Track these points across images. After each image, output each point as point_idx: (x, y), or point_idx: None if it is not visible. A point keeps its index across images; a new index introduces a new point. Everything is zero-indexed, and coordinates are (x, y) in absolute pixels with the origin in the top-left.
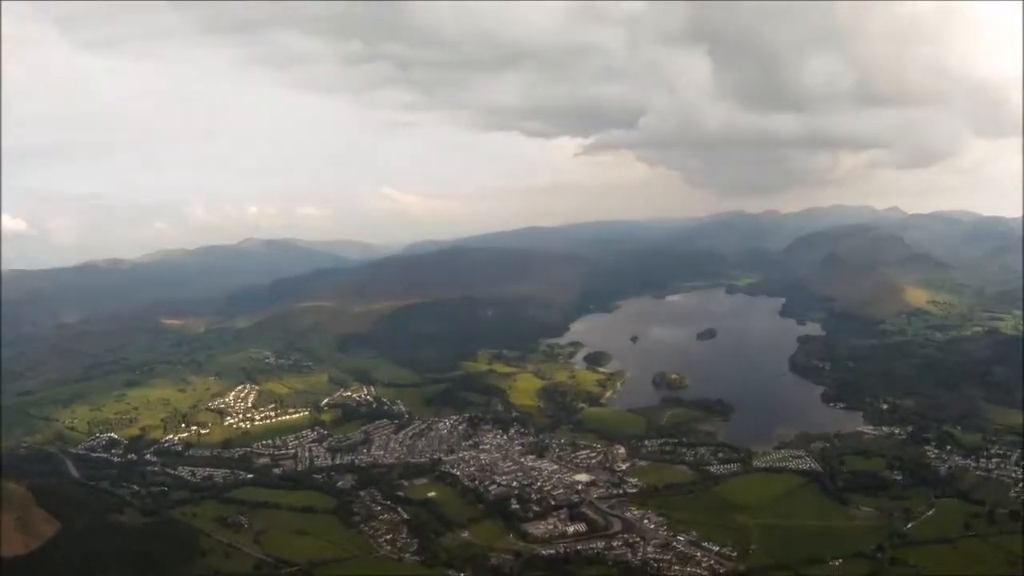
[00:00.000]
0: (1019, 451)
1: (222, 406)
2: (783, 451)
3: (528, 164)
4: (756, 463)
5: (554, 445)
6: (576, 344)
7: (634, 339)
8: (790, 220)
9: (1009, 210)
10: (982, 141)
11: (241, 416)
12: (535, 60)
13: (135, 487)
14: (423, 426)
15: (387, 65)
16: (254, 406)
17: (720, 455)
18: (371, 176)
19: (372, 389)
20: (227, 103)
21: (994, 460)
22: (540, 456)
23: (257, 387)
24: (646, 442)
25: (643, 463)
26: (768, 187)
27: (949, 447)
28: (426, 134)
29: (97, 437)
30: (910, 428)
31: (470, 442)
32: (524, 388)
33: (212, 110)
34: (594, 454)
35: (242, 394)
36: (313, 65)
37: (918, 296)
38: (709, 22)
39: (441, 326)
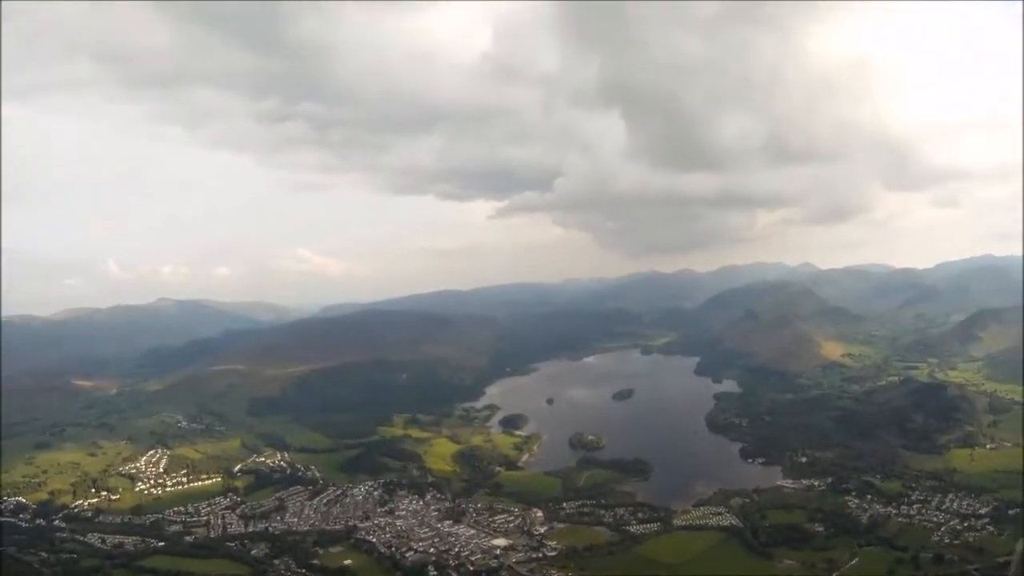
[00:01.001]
0: (939, 496)
1: (133, 471)
2: (703, 508)
3: (443, 226)
4: (676, 521)
5: (471, 510)
6: (492, 407)
7: (550, 401)
8: (705, 279)
9: (920, 261)
10: (892, 194)
11: (153, 482)
12: (451, 122)
13: (43, 554)
14: (338, 492)
15: (303, 124)
16: (166, 471)
17: (640, 515)
18: (285, 237)
19: (286, 454)
20: (142, 158)
21: (915, 506)
22: (457, 521)
23: (169, 452)
24: (564, 504)
25: (562, 525)
26: (683, 246)
27: (870, 496)
28: (341, 195)
29: (4, 501)
30: (830, 479)
31: (386, 508)
32: (440, 453)
33: (127, 165)
34: (512, 518)
35: (154, 459)
36: (229, 122)
37: (833, 349)
38: (622, 83)
39: (355, 390)
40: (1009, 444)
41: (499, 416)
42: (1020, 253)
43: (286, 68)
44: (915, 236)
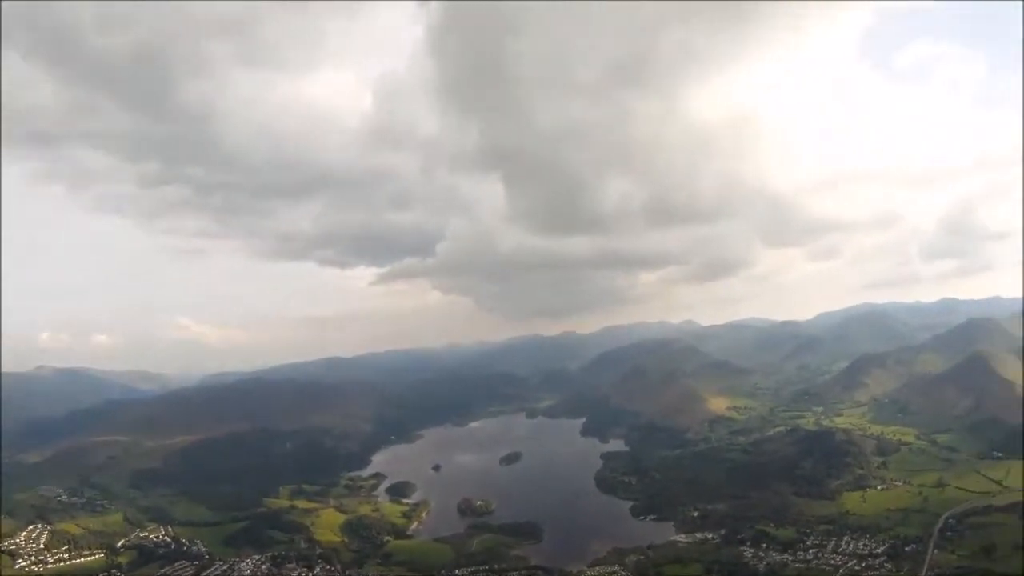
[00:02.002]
0: (835, 539)
1: (13, 547)
2: (598, 568)
3: (324, 293)
4: None
5: None
6: (379, 476)
7: (437, 468)
8: (589, 339)
9: (801, 313)
10: (772, 250)
11: (33, 559)
12: (333, 187)
13: None
14: (224, 567)
15: (185, 188)
16: (46, 548)
17: None
18: (165, 304)
19: (170, 528)
20: (21, 220)
21: (812, 551)
22: None
23: (50, 527)
24: (457, 572)
25: None
26: (565, 308)
27: (765, 544)
28: (221, 262)
29: None
30: (723, 531)
31: None
32: (328, 523)
33: (5, 225)
34: None
35: (33, 535)
36: (111, 184)
37: (719, 403)
38: (502, 147)
39: (239, 461)
40: (900, 483)
41: (386, 484)
42: (898, 299)
43: (170, 131)
44: (795, 289)
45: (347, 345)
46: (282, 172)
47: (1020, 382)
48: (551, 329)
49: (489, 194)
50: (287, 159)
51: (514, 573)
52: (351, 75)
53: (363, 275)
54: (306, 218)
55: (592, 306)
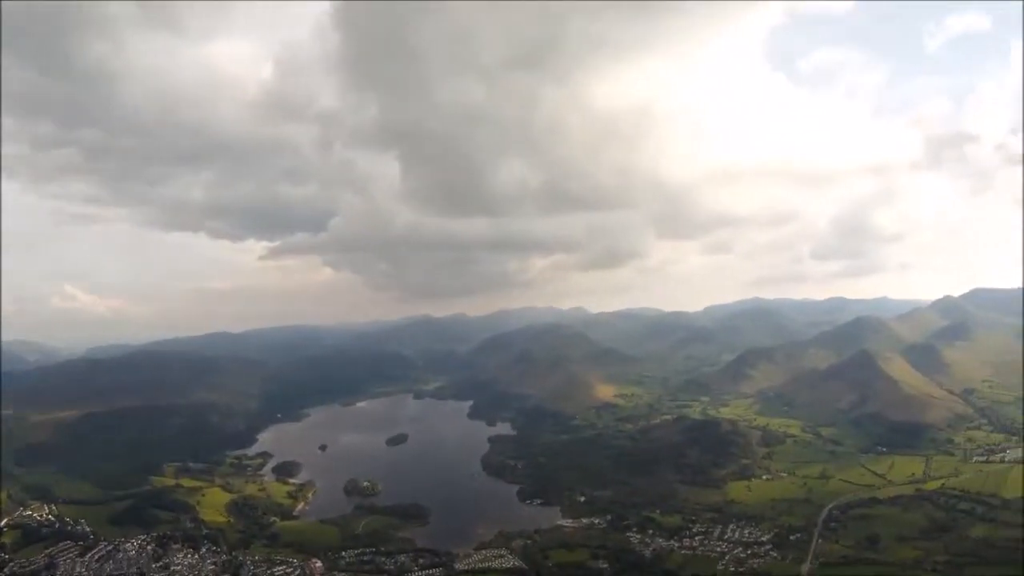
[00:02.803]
0: (721, 527)
1: None
2: (485, 551)
3: (215, 266)
4: (459, 566)
5: (248, 563)
6: (265, 455)
7: (323, 447)
8: (478, 322)
9: (690, 305)
10: (665, 242)
11: None
12: (227, 157)
13: None
14: (109, 547)
15: (78, 152)
16: None
17: (421, 561)
18: (52, 272)
19: (54, 507)
20: None
21: (697, 538)
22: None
23: None
24: (343, 553)
25: (342, 575)
26: (456, 291)
27: (651, 531)
28: (111, 230)
29: None
30: (610, 517)
31: (160, 563)
32: (214, 503)
33: None
34: (291, 570)
35: None
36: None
37: (607, 390)
38: (401, 125)
39: (125, 436)
40: (785, 474)
41: (272, 463)
42: (787, 296)
43: (66, 92)
44: (686, 281)
45: (236, 320)
46: (177, 138)
47: (905, 380)
48: (441, 310)
49: (385, 172)
50: (183, 125)
51: (401, 556)
52: (253, 43)
53: (253, 248)
54: (199, 187)
55: (483, 289)
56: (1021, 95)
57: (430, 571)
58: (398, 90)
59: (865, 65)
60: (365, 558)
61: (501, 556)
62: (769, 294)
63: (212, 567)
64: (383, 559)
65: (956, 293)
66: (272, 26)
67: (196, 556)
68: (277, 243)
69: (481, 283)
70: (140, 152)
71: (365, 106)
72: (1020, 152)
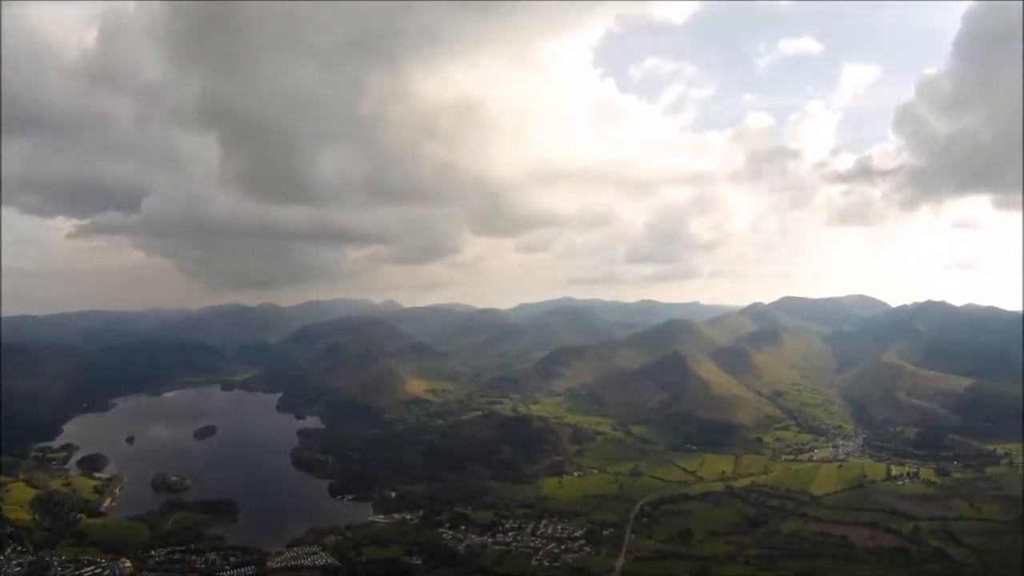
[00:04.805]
0: (534, 523)
1: None
2: (297, 548)
3: (22, 244)
4: (271, 564)
5: (56, 563)
6: (70, 447)
7: (130, 440)
8: (290, 313)
9: (503, 302)
10: (482, 239)
11: None
12: (45, 127)
13: None
14: None
15: None
16: None
17: (232, 559)
18: None
19: None
20: None
21: (510, 533)
22: None
23: None
24: (153, 552)
25: (152, 575)
26: (268, 280)
27: (464, 526)
28: None
29: None
30: (422, 512)
31: None
32: (17, 499)
33: None
34: (100, 570)
35: None
36: None
37: (417, 385)
38: (224, 104)
39: None
40: (596, 471)
41: (78, 456)
42: (598, 297)
43: None
44: (500, 278)
45: (41, 302)
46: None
47: (714, 381)
48: (253, 299)
49: (204, 154)
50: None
51: (211, 554)
52: (77, 7)
53: (63, 227)
54: (14, 159)
55: (296, 279)
56: (845, 117)
57: (241, 570)
58: (223, 67)
59: (694, 78)
60: (175, 556)
61: (313, 553)
62: (581, 294)
63: (18, 569)
64: (193, 557)
65: (766, 300)
66: None
67: (1, 557)
68: (87, 221)
69: (295, 273)
70: None
71: (188, 82)
72: (837, 170)
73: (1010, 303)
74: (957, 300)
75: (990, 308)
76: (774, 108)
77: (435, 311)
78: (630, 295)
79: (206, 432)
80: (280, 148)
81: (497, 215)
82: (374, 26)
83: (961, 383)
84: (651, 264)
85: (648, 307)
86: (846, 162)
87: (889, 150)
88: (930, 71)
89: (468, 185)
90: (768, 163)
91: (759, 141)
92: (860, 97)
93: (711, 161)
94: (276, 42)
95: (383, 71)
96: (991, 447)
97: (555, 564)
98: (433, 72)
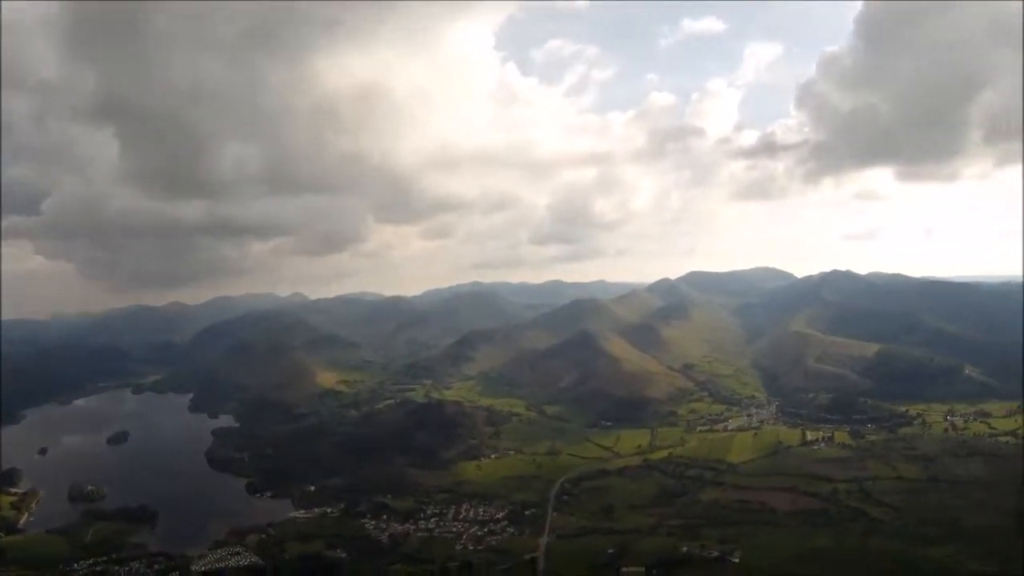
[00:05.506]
0: (454, 507)
1: None
2: (221, 550)
3: None
4: (195, 568)
5: None
6: None
7: (43, 451)
8: (197, 311)
9: (410, 289)
10: (387, 227)
11: None
12: None
13: None
14: None
15: None
16: None
17: (156, 566)
18: None
19: None
20: None
21: (432, 520)
22: None
23: None
24: (75, 565)
25: None
26: (173, 279)
27: (385, 516)
28: None
29: None
30: (342, 505)
31: None
32: None
33: None
34: None
35: None
36: None
37: (329, 377)
38: (121, 99)
39: None
40: (513, 452)
41: None
42: (505, 280)
43: None
44: (406, 265)
45: None
46: None
47: (625, 358)
48: (159, 300)
49: (105, 151)
50: None
51: (134, 562)
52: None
53: None
54: None
55: (201, 276)
56: (748, 94)
57: None
58: (121, 62)
59: (597, 59)
60: (98, 568)
61: (237, 553)
62: (487, 278)
63: None
64: (117, 568)
65: (673, 277)
66: None
67: None
68: None
69: (200, 270)
70: None
71: (85, 78)
72: (741, 146)
73: (914, 270)
74: (862, 269)
75: (895, 275)
76: (677, 87)
77: (342, 301)
78: (537, 276)
79: (119, 438)
80: (180, 143)
81: (401, 202)
82: (273, 17)
83: (870, 348)
84: (556, 245)
85: (555, 288)
86: (749, 138)
87: (791, 126)
88: (832, 48)
89: (371, 173)
90: (671, 141)
91: (662, 120)
92: (762, 75)
93: (614, 141)
94: (174, 36)
95: (284, 62)
96: (903, 408)
97: (479, 547)
98: (334, 61)
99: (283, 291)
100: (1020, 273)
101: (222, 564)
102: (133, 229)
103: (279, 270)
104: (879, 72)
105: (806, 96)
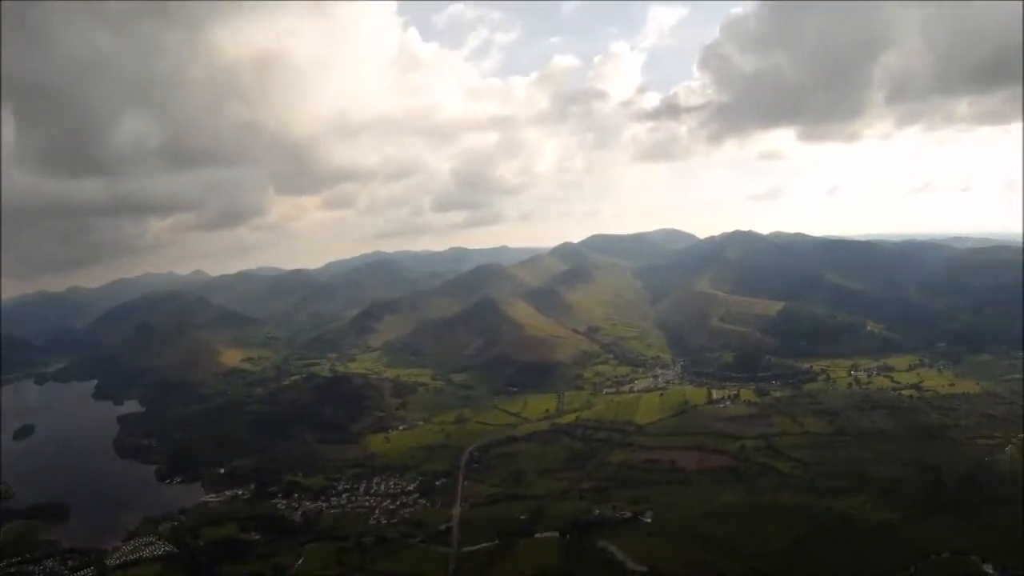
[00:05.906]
0: (365, 482)
1: None
2: (134, 541)
3: None
4: (110, 562)
5: None
6: None
7: None
8: (97, 295)
9: (311, 262)
10: (287, 198)
11: None
12: None
13: None
14: None
15: None
16: None
17: (71, 563)
18: None
19: None
20: None
21: (344, 495)
22: None
23: None
24: None
25: None
26: (71, 262)
27: (297, 494)
28: None
29: None
30: (253, 486)
31: None
32: None
33: None
34: None
35: None
36: None
37: (233, 356)
38: (17, 77)
39: None
40: (421, 423)
41: None
42: (407, 248)
43: None
44: (307, 238)
45: None
46: None
47: (529, 323)
48: (57, 285)
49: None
50: None
51: (48, 561)
52: None
53: None
54: None
55: (100, 257)
56: (651, 57)
57: (81, 573)
58: (11, 37)
59: (500, 23)
60: (11, 570)
61: (151, 543)
62: (390, 247)
63: None
64: (31, 567)
65: (575, 240)
66: None
67: None
68: None
69: (98, 251)
70: None
71: None
72: (644, 108)
73: (816, 229)
74: (764, 229)
75: (797, 234)
76: (580, 51)
77: (243, 277)
78: (439, 244)
79: (24, 432)
80: (74, 118)
81: (300, 173)
82: None
83: (773, 307)
84: (459, 211)
85: (458, 255)
86: (652, 100)
87: (695, 87)
88: (736, 11)
89: (270, 143)
90: (574, 104)
91: (565, 83)
92: (665, 37)
93: (517, 105)
94: (65, 8)
95: (179, 31)
96: (807, 365)
97: (393, 520)
98: (231, 29)
99: (183, 269)
100: (920, 231)
101: (136, 555)
102: (29, 211)
103: (179, 247)
104: (783, 33)
105: (710, 58)
